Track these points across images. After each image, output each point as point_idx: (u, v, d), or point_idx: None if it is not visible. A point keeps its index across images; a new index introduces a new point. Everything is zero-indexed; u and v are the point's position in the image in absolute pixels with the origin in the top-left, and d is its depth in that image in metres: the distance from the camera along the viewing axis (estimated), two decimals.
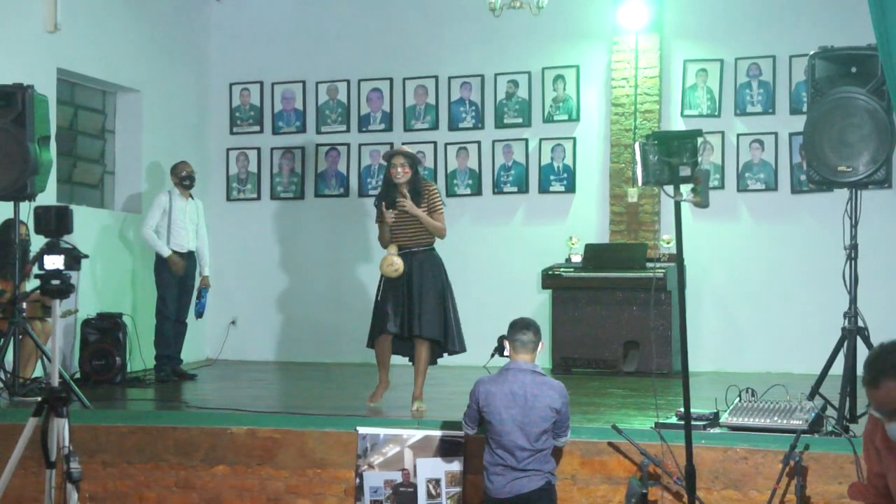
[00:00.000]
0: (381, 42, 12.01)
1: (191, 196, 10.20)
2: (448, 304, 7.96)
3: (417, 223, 7.92)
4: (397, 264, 7.82)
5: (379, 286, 8.00)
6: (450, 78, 11.77)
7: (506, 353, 6.39)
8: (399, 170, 7.90)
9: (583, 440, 6.60)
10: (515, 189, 11.51)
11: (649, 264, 10.41)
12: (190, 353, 10.30)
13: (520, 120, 11.55)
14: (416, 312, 7.81)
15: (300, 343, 12.00)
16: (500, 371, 6.29)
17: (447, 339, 7.94)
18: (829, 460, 6.24)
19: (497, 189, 11.55)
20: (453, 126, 11.77)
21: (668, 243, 10.62)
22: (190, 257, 10.12)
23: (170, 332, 10.02)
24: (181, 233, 10.02)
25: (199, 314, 10.30)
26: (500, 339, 6.60)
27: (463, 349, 8.05)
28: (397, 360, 11.46)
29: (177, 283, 10.00)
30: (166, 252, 9.88)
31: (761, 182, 10.92)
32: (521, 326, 6.28)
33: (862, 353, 6.87)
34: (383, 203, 7.94)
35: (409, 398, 7.92)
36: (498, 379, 6.23)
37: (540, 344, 6.29)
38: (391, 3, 12.03)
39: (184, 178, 10.13)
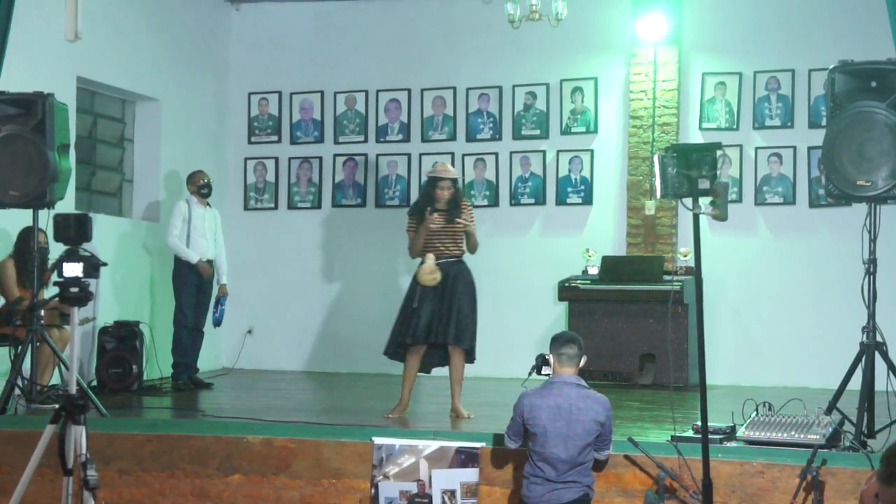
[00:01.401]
0: (399, 53, 12.03)
1: (208, 205, 10.23)
2: (474, 311, 8.12)
3: (453, 235, 8.05)
4: (437, 273, 7.89)
5: (412, 295, 8.01)
6: (468, 89, 11.79)
7: (545, 370, 6.43)
8: (446, 192, 8.02)
9: None
10: (532, 201, 11.50)
11: (666, 277, 10.39)
12: (206, 361, 10.32)
13: (537, 132, 11.56)
14: (453, 321, 7.87)
15: (316, 353, 12.01)
16: (544, 384, 6.32)
17: (473, 349, 8.12)
18: (847, 475, 6.20)
19: (514, 201, 11.55)
20: (471, 137, 11.78)
21: (685, 256, 10.59)
22: (208, 264, 10.14)
23: (187, 340, 10.04)
24: (200, 241, 10.04)
25: (217, 323, 10.32)
26: (540, 358, 6.59)
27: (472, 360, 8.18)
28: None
29: (195, 291, 10.01)
30: (195, 258, 9.91)
31: (779, 196, 10.89)
32: (565, 340, 6.34)
33: (880, 368, 6.88)
34: (427, 209, 7.97)
35: (424, 408, 7.92)
36: (542, 392, 6.26)
37: (583, 358, 6.32)
38: (410, 15, 12.06)
39: (201, 188, 10.16)
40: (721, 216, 5.93)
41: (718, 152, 5.99)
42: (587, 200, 11.37)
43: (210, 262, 10.14)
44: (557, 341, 6.37)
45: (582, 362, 6.34)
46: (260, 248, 12.26)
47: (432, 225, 7.98)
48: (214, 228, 10.23)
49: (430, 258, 7.98)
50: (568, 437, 6.11)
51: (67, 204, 9.08)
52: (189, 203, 10.10)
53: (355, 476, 7.00)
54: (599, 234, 11.28)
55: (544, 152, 11.49)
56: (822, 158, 7.29)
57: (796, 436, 6.50)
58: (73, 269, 5.50)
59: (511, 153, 11.59)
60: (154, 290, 10.97)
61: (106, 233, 10.07)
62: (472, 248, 8.24)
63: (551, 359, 6.36)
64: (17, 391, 8.08)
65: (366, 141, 12.10)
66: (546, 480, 6.13)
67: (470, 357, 8.15)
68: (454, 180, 8.17)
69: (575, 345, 6.29)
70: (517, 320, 11.27)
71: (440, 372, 11.38)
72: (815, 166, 10.49)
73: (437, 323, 7.92)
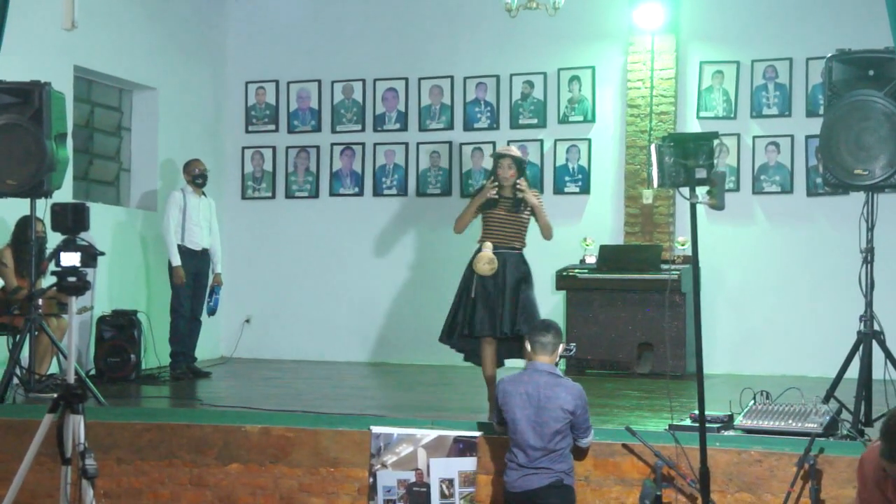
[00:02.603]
0: (396, 42, 12.01)
1: (203, 194, 10.22)
2: (532, 303, 7.79)
3: (517, 227, 7.74)
4: (495, 263, 7.65)
5: (469, 284, 7.76)
6: (465, 78, 11.77)
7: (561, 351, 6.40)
8: (508, 172, 7.76)
9: (596, 441, 6.58)
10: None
11: (664, 266, 10.38)
12: (204, 350, 10.33)
13: (535, 121, 11.55)
14: (520, 310, 7.57)
15: (314, 342, 12.01)
16: (520, 372, 6.33)
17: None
18: (844, 464, 6.21)
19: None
20: (468, 126, 11.77)
21: (682, 245, 10.60)
22: (204, 255, 10.15)
23: (184, 329, 10.05)
24: (195, 230, 10.04)
25: (212, 312, 10.33)
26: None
27: None
28: (409, 359, 11.50)
29: (191, 280, 10.02)
30: (176, 261, 9.90)
31: (777, 185, 10.89)
32: (541, 328, 6.36)
33: (878, 356, 6.89)
34: (490, 179, 7.70)
35: (420, 398, 7.91)
36: (516, 379, 6.29)
37: (560, 345, 6.32)
38: (407, 4, 12.03)
39: (196, 177, 10.16)
40: (718, 205, 5.94)
41: (715, 141, 6.00)
42: (585, 189, 11.37)
43: (205, 251, 10.15)
44: (534, 328, 6.39)
45: (560, 350, 6.33)
46: (257, 238, 12.26)
47: (490, 193, 7.67)
48: (210, 217, 10.24)
49: (488, 246, 7.71)
50: (536, 423, 6.13)
51: (65, 193, 9.07)
52: (185, 192, 10.10)
53: (353, 465, 7.01)
54: (597, 223, 11.28)
55: (542, 141, 11.48)
56: (819, 147, 7.29)
57: (794, 424, 6.51)
58: (70, 259, 5.50)
59: (508, 142, 11.54)
60: (151, 279, 10.96)
61: (103, 222, 10.06)
62: (547, 230, 7.83)
63: (527, 345, 6.35)
64: (15, 380, 8.09)
65: (363, 130, 12.09)
66: (519, 466, 6.18)
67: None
68: (518, 161, 7.95)
69: (550, 333, 6.28)
70: None
71: (439, 361, 11.42)
72: (812, 155, 10.48)
73: (502, 315, 7.56)
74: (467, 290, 7.64)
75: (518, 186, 7.64)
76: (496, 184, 7.63)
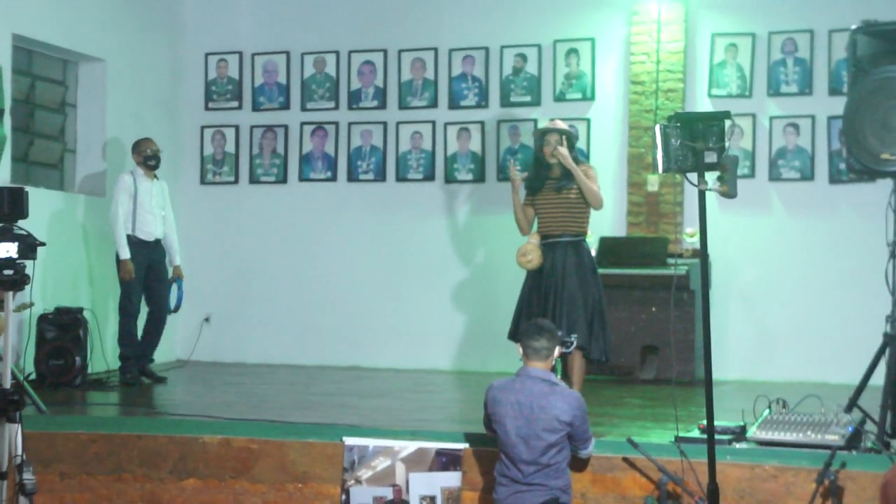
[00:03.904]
0: (374, 9, 12.00)
1: (156, 177, 10.17)
2: (590, 301, 7.93)
3: (568, 208, 7.81)
4: (531, 255, 7.66)
5: (526, 279, 7.88)
6: (451, 50, 11.76)
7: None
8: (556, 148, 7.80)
9: (595, 455, 6.61)
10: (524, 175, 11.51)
11: (670, 260, 10.42)
12: (159, 353, 10.30)
13: (528, 98, 11.56)
14: (564, 312, 7.69)
15: (281, 343, 12.01)
16: (511, 377, 6.33)
17: (591, 345, 7.91)
18: (868, 480, 6.24)
19: (502, 175, 11.53)
20: (454, 104, 11.77)
21: (691, 237, 10.62)
22: (158, 246, 10.10)
23: (133, 329, 10.01)
24: (148, 218, 9.99)
25: (176, 309, 10.28)
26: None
27: (603, 358, 8.05)
28: (387, 363, 11.50)
29: (142, 274, 9.96)
30: (125, 255, 9.84)
31: (796, 170, 10.92)
32: (533, 331, 6.33)
33: None
34: (511, 160, 7.81)
35: (399, 406, 7.92)
36: (507, 386, 6.29)
37: (556, 350, 6.32)
38: None
39: (148, 158, 10.10)
40: (729, 193, 5.95)
41: (727, 122, 6.01)
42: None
43: (159, 241, 10.10)
44: (526, 331, 6.38)
45: (556, 354, 6.35)
46: (218, 227, 12.24)
47: (516, 181, 7.71)
48: (163, 203, 10.19)
49: (532, 238, 7.78)
50: (529, 436, 6.14)
51: (2, 176, 9.05)
52: (135, 176, 10.04)
53: (324, 480, 7.02)
54: (597, 212, 11.25)
55: (536, 121, 11.48)
56: (842, 129, 7.32)
57: (813, 436, 6.54)
58: (6, 249, 5.49)
59: (499, 122, 11.58)
60: (99, 274, 10.92)
61: (45, 208, 10.04)
62: (594, 199, 7.95)
63: (519, 349, 6.37)
64: None
65: (337, 108, 12.07)
66: (512, 481, 6.19)
67: (589, 353, 7.97)
68: (568, 135, 7.92)
69: (543, 337, 6.28)
70: (508, 307, 11.27)
71: (421, 365, 11.41)
72: (835, 138, 10.52)
73: (549, 314, 7.70)
74: (525, 285, 7.85)
75: (553, 151, 7.59)
76: (518, 166, 7.66)
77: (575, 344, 7.77)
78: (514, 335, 8.04)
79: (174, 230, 10.34)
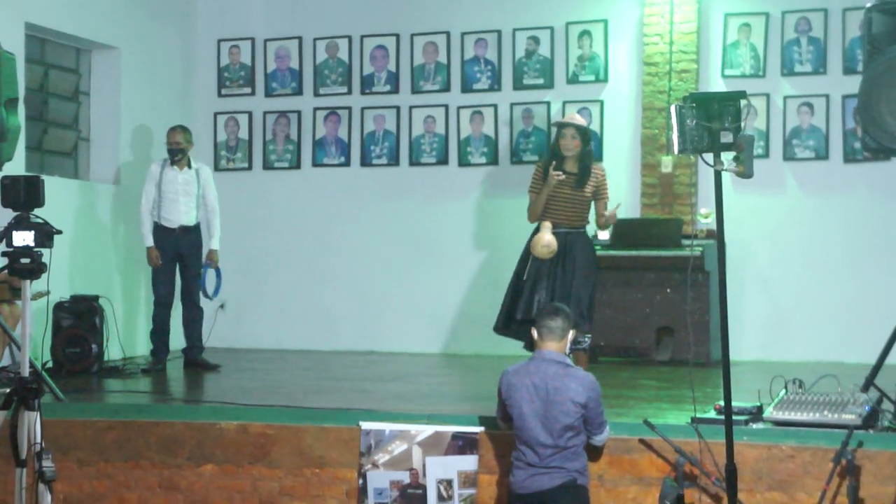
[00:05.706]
0: None
1: (188, 166, 10.15)
2: (592, 289, 8.10)
3: (579, 204, 8.05)
4: (553, 245, 7.83)
5: (525, 266, 7.95)
6: (463, 34, 11.74)
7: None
8: (571, 143, 7.94)
9: (611, 437, 6.60)
10: (536, 157, 11.46)
11: (685, 242, 10.40)
12: (173, 340, 10.31)
13: (541, 81, 11.53)
14: (573, 301, 7.74)
15: (296, 329, 12.02)
16: (525, 361, 6.34)
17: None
18: (885, 459, 6.24)
19: (515, 158, 11.53)
20: (467, 88, 11.75)
21: (706, 218, 10.61)
22: (185, 232, 10.06)
23: (163, 319, 10.03)
24: (170, 206, 9.99)
25: (206, 294, 10.25)
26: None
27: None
28: (403, 347, 11.52)
29: (170, 263, 9.97)
30: (148, 242, 9.91)
31: (811, 150, 10.88)
32: (549, 312, 6.38)
33: None
34: (552, 165, 7.92)
35: (415, 390, 7.94)
36: (521, 370, 6.30)
37: (571, 331, 6.33)
38: None
39: (169, 150, 10.11)
40: (745, 173, 5.94)
41: (743, 102, 6.00)
42: (597, 156, 11.29)
43: (186, 228, 10.04)
44: (541, 312, 6.44)
45: (571, 336, 6.36)
46: (232, 214, 12.17)
47: (554, 181, 7.84)
48: (195, 192, 10.13)
49: (546, 227, 7.89)
50: (545, 419, 6.15)
51: (17, 165, 9.03)
52: (164, 164, 10.07)
53: (341, 465, 7.02)
54: (611, 194, 11.21)
55: (549, 103, 11.46)
56: (858, 108, 7.29)
57: (830, 416, 6.53)
58: (23, 238, 5.50)
59: (511, 105, 11.56)
60: (115, 261, 10.94)
61: (60, 197, 10.02)
62: (604, 226, 8.39)
63: (534, 332, 6.38)
64: None
65: (349, 93, 12.06)
66: (528, 465, 6.20)
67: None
68: (581, 130, 8.05)
69: (559, 316, 6.31)
70: None
71: (436, 349, 11.42)
72: (850, 117, 10.48)
73: (556, 300, 7.70)
74: (521, 273, 7.92)
75: (604, 221, 8.15)
76: (560, 174, 7.88)
77: (588, 343, 7.83)
78: (504, 327, 8.06)
79: (216, 215, 10.27)
